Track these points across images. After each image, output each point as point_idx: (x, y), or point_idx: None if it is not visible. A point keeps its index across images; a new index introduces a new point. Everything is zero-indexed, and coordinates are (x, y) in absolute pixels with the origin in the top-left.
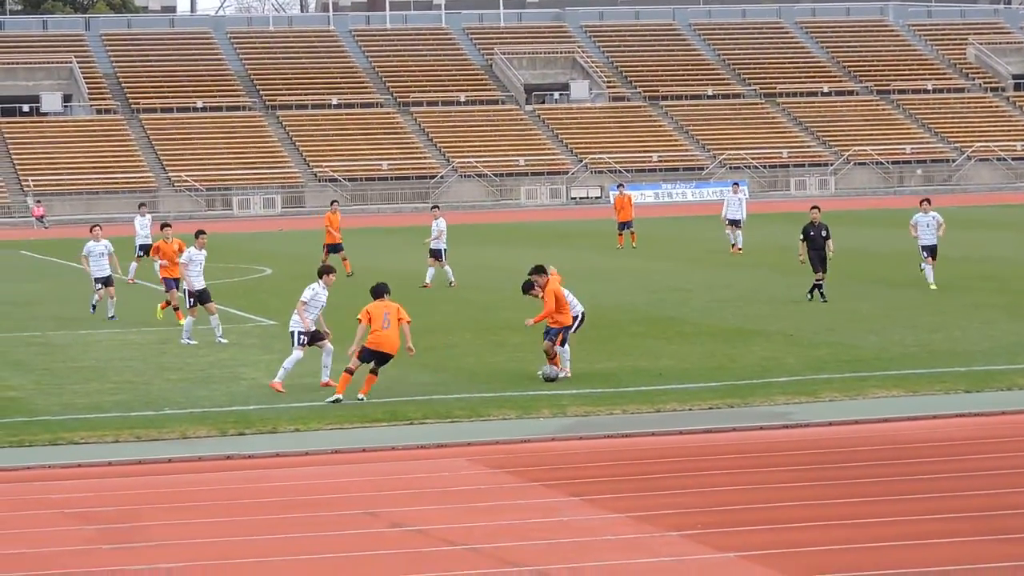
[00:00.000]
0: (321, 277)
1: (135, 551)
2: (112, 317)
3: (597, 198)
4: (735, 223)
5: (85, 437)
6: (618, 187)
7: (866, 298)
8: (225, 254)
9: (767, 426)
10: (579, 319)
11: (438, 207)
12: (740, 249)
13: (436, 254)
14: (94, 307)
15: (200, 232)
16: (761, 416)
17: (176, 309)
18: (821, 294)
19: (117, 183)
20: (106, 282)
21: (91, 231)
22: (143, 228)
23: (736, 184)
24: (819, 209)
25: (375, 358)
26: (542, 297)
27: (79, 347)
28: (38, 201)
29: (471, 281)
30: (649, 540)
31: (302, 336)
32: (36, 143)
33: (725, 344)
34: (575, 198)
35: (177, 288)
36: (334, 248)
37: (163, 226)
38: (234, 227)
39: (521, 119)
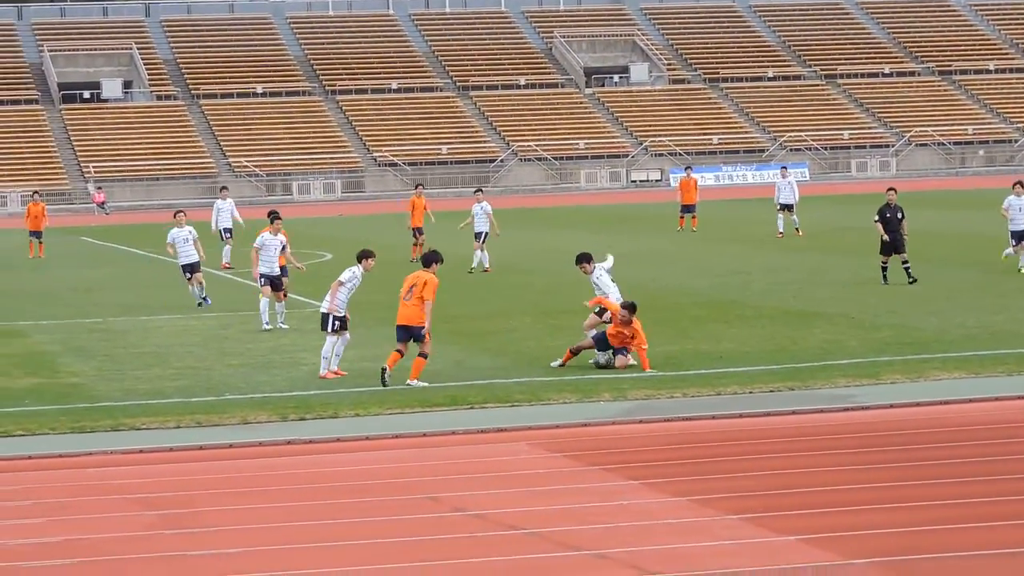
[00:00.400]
0: (360, 261)
1: (195, 537)
2: (203, 302)
3: (657, 181)
4: (788, 207)
5: (146, 423)
6: (685, 169)
7: (927, 280)
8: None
9: (828, 409)
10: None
11: (481, 191)
12: (799, 231)
13: (479, 237)
14: (204, 299)
15: (273, 215)
16: (822, 399)
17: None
18: (907, 272)
19: (177, 169)
20: (192, 269)
21: (175, 216)
22: (223, 211)
23: (784, 168)
24: (895, 191)
25: (397, 332)
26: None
27: (140, 333)
28: (99, 188)
29: (530, 265)
30: (708, 523)
31: (335, 321)
32: (97, 129)
33: (786, 327)
34: (635, 181)
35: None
36: (418, 231)
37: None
38: (294, 212)
39: (581, 102)
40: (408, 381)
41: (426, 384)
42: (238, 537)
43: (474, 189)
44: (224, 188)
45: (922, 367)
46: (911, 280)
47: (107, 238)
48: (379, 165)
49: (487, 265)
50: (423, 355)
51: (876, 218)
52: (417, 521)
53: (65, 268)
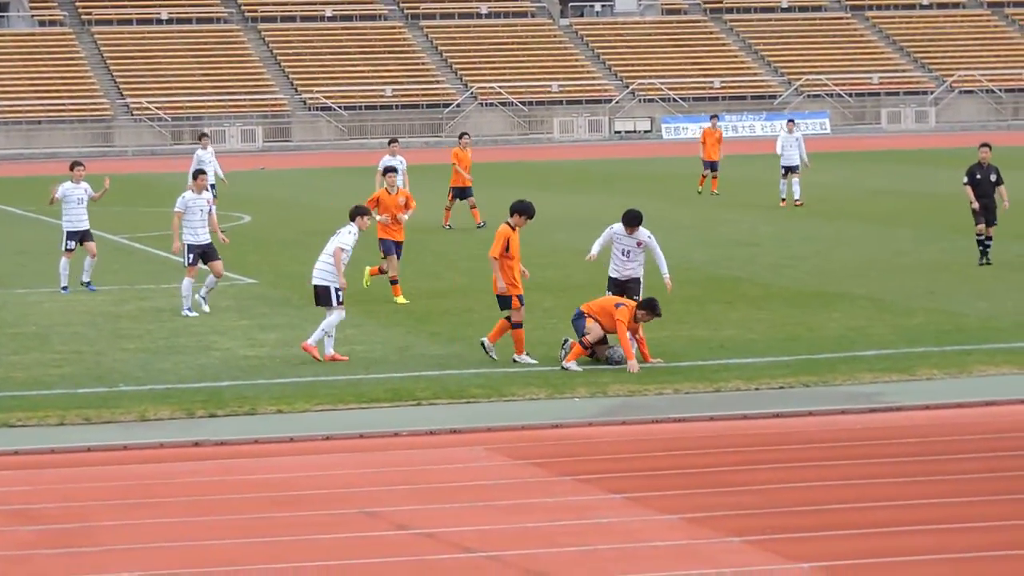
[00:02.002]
0: (354, 220)
1: (83, 556)
2: (88, 284)
3: (646, 132)
4: (792, 169)
5: (23, 419)
6: (711, 119)
7: (972, 255)
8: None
9: (851, 409)
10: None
11: (396, 141)
12: (799, 202)
13: None
14: (88, 283)
15: (198, 171)
16: (843, 397)
17: (394, 283)
18: (983, 252)
19: (63, 111)
20: (83, 236)
21: (72, 169)
22: (206, 164)
23: (791, 121)
24: (989, 148)
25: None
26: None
27: (16, 309)
28: None
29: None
30: (706, 547)
31: (339, 293)
32: None
33: (800, 310)
34: (619, 132)
35: (398, 253)
36: (462, 193)
37: (386, 171)
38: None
39: (555, 35)
40: (514, 357)
41: (534, 360)
42: (134, 558)
43: (388, 139)
44: (204, 135)
45: (964, 360)
46: (984, 260)
47: None
48: (309, 109)
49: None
50: (513, 324)
51: (965, 180)
52: (353, 541)
53: None
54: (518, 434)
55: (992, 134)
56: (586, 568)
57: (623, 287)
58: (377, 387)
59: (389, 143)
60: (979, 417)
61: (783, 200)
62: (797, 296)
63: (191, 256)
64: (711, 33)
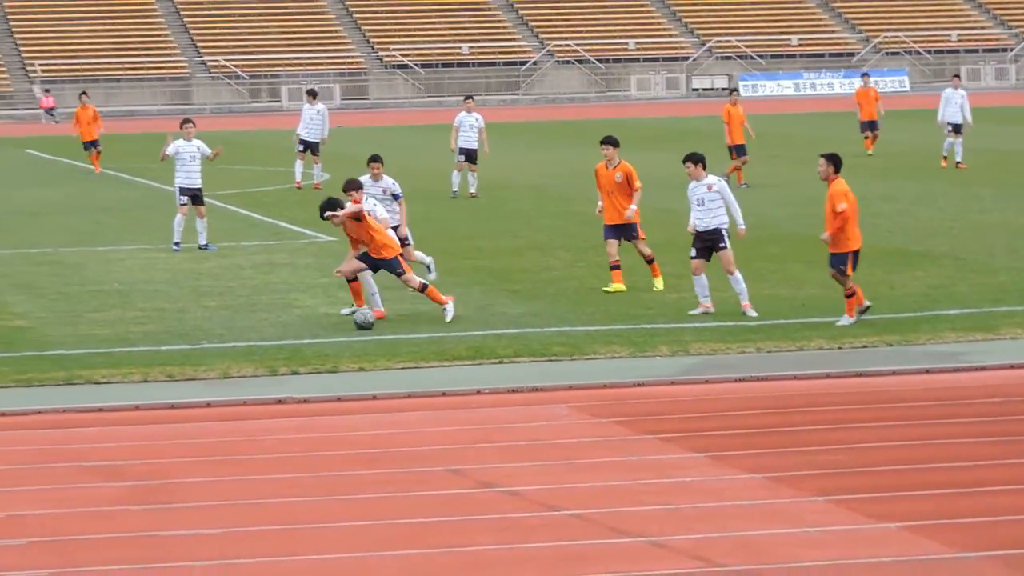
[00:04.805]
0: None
1: (167, 514)
2: (205, 246)
3: (724, 89)
4: (957, 128)
5: (107, 376)
6: (862, 77)
7: None
8: (272, 155)
9: (934, 369)
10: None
11: (472, 98)
12: (962, 165)
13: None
14: (207, 244)
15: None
16: (926, 357)
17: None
18: None
19: (142, 69)
20: (196, 196)
21: (182, 127)
22: (313, 121)
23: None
24: None
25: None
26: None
27: (98, 266)
28: (47, 90)
29: (569, 190)
30: (790, 506)
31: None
32: (44, 20)
33: (883, 268)
34: (697, 89)
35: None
36: (740, 151)
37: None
38: (283, 123)
39: None
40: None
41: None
42: (218, 515)
43: (464, 96)
44: (312, 91)
45: None
46: None
47: (57, 151)
48: (386, 67)
49: (473, 189)
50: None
51: None
52: (437, 499)
53: (6, 187)
54: (600, 392)
55: None
56: (670, 527)
57: (705, 239)
58: (459, 345)
59: (464, 100)
60: None
61: (944, 159)
62: (879, 255)
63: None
64: None
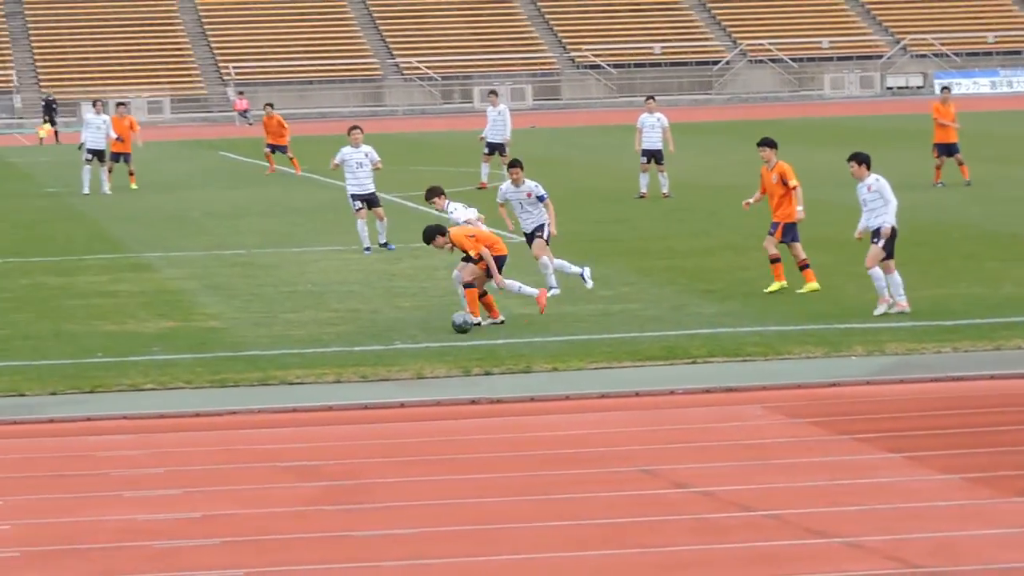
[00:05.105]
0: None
1: (360, 513)
2: (385, 244)
3: (919, 88)
4: None
5: (301, 376)
6: None
7: None
8: (463, 156)
9: None
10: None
11: (653, 99)
12: None
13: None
14: (387, 243)
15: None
16: None
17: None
18: None
19: (334, 71)
20: (370, 201)
21: (349, 133)
22: (496, 122)
23: None
24: None
25: None
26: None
27: (292, 267)
28: (240, 93)
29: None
30: (987, 507)
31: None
32: (238, 23)
33: None
34: (891, 88)
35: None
36: (948, 150)
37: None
38: (474, 124)
39: None
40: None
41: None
42: (411, 515)
43: (645, 96)
44: (493, 92)
45: None
46: None
47: (251, 153)
48: (578, 68)
49: (665, 189)
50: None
51: None
52: (629, 499)
53: (200, 188)
54: (795, 392)
55: None
56: (866, 527)
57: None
58: (653, 345)
59: (646, 100)
60: None
61: None
62: None
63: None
64: None
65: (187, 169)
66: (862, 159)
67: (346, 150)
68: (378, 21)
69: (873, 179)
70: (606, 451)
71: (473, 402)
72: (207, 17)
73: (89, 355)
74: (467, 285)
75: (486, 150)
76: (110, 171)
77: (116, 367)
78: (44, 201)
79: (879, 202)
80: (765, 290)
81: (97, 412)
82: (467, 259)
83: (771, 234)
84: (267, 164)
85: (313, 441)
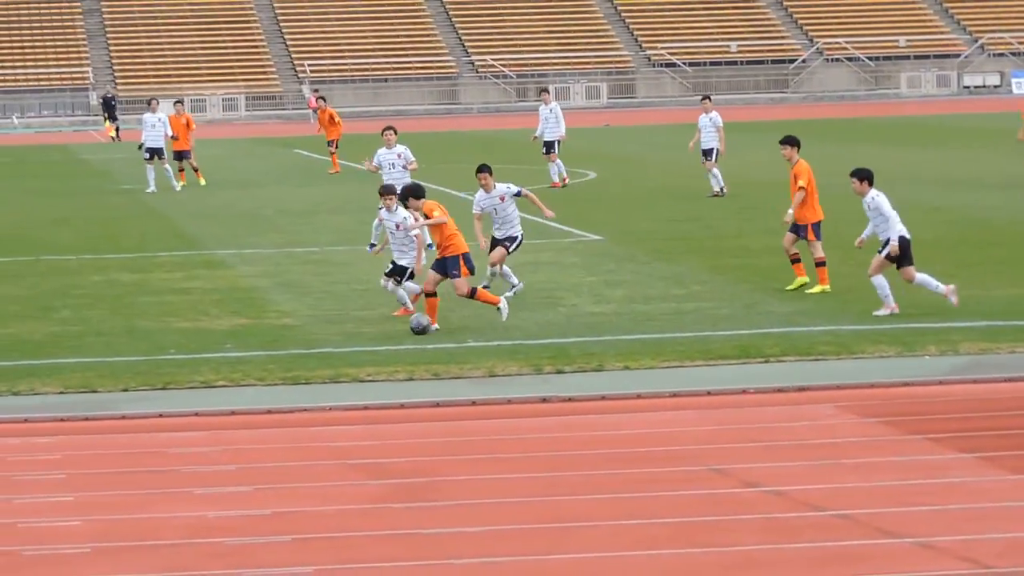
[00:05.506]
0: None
1: (432, 511)
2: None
3: (996, 87)
4: None
5: (373, 374)
6: None
7: None
8: (536, 154)
9: None
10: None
11: (709, 98)
12: None
13: (709, 155)
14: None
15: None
16: None
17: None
18: None
19: (409, 68)
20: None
21: (383, 134)
22: (548, 121)
23: None
24: None
25: None
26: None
27: (365, 265)
28: (315, 90)
29: (838, 190)
30: None
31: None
32: (313, 21)
33: None
34: (968, 87)
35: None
36: None
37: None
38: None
39: None
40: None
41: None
42: (481, 513)
43: (701, 96)
44: (545, 90)
45: None
46: None
47: (325, 150)
48: (654, 65)
49: (722, 185)
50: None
51: None
52: (700, 498)
53: (274, 186)
54: (867, 392)
55: None
56: (938, 528)
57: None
58: (725, 344)
59: (701, 100)
60: None
61: None
62: None
63: None
64: None
65: (261, 166)
66: (863, 176)
67: (381, 151)
68: (454, 18)
69: (871, 197)
70: (677, 450)
71: (544, 400)
72: (283, 14)
73: (162, 352)
74: (429, 295)
75: (544, 150)
76: (181, 170)
77: (188, 364)
78: (118, 198)
79: (880, 218)
80: (788, 287)
81: (169, 409)
82: (435, 266)
83: (801, 237)
84: (345, 162)
85: (384, 439)
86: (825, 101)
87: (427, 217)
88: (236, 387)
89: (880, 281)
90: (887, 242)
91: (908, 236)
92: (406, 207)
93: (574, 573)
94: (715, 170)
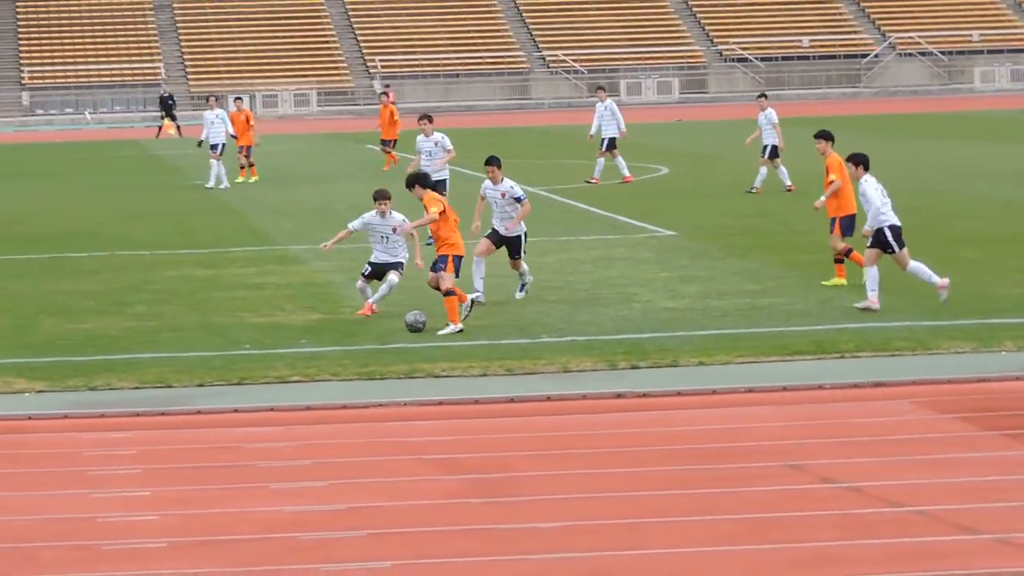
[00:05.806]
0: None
1: (506, 506)
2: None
3: None
4: None
5: (447, 369)
6: None
7: None
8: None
9: None
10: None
11: (765, 96)
12: None
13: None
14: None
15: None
16: None
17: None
18: None
19: (481, 64)
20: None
21: (419, 122)
22: (603, 117)
23: None
24: None
25: None
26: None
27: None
28: (387, 86)
29: (913, 184)
30: None
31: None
32: (384, 16)
33: None
34: None
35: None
36: None
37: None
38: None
39: None
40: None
41: None
42: (558, 509)
43: (757, 94)
44: (601, 88)
45: None
46: None
47: (396, 146)
48: (725, 60)
49: (758, 184)
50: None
51: None
52: (777, 494)
53: (346, 182)
54: (944, 388)
55: None
56: (1016, 524)
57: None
58: (800, 339)
59: (758, 98)
60: None
61: None
62: None
63: None
64: None
65: (332, 162)
66: (857, 160)
67: (419, 138)
68: (525, 14)
69: (862, 181)
70: (752, 446)
71: (619, 396)
72: (354, 10)
73: (236, 347)
74: (447, 293)
75: (603, 146)
76: (242, 167)
77: (263, 359)
78: (191, 194)
79: (867, 204)
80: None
81: (244, 404)
82: (434, 266)
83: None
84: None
85: (459, 434)
86: (898, 96)
87: (425, 208)
88: (311, 382)
89: (871, 273)
90: (879, 231)
91: (898, 224)
92: (410, 188)
93: (648, 569)
94: (782, 167)
